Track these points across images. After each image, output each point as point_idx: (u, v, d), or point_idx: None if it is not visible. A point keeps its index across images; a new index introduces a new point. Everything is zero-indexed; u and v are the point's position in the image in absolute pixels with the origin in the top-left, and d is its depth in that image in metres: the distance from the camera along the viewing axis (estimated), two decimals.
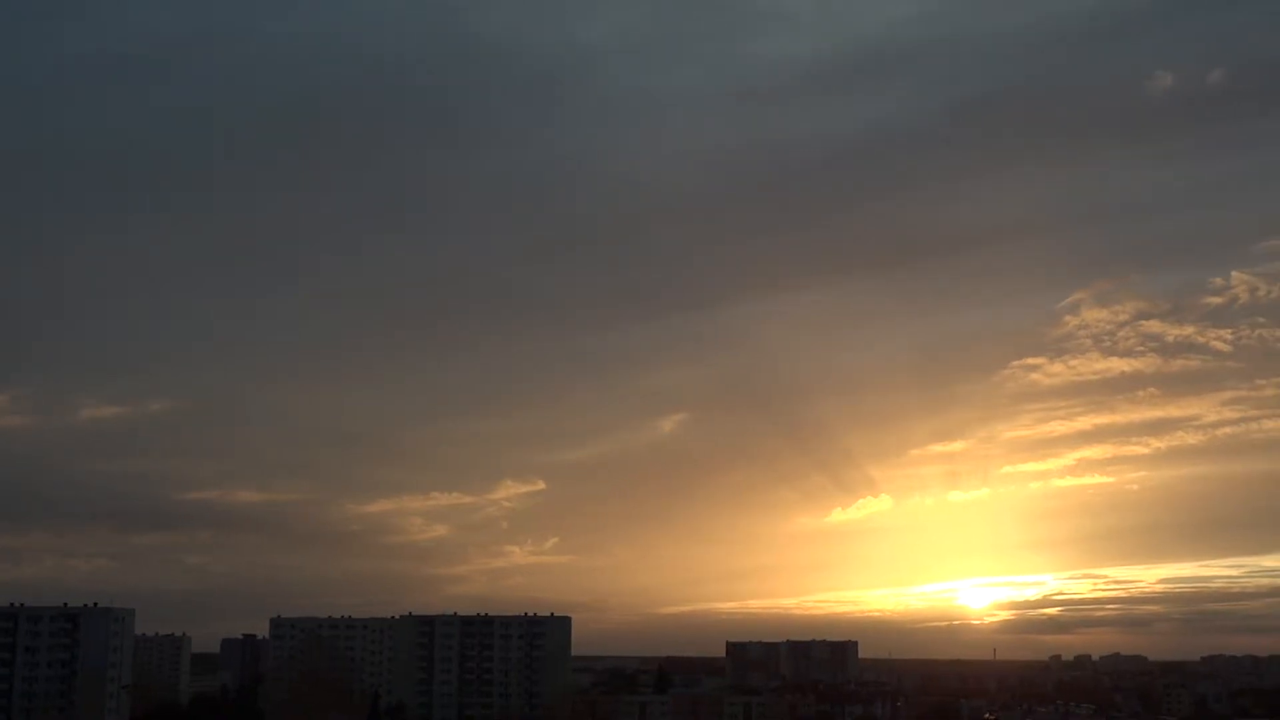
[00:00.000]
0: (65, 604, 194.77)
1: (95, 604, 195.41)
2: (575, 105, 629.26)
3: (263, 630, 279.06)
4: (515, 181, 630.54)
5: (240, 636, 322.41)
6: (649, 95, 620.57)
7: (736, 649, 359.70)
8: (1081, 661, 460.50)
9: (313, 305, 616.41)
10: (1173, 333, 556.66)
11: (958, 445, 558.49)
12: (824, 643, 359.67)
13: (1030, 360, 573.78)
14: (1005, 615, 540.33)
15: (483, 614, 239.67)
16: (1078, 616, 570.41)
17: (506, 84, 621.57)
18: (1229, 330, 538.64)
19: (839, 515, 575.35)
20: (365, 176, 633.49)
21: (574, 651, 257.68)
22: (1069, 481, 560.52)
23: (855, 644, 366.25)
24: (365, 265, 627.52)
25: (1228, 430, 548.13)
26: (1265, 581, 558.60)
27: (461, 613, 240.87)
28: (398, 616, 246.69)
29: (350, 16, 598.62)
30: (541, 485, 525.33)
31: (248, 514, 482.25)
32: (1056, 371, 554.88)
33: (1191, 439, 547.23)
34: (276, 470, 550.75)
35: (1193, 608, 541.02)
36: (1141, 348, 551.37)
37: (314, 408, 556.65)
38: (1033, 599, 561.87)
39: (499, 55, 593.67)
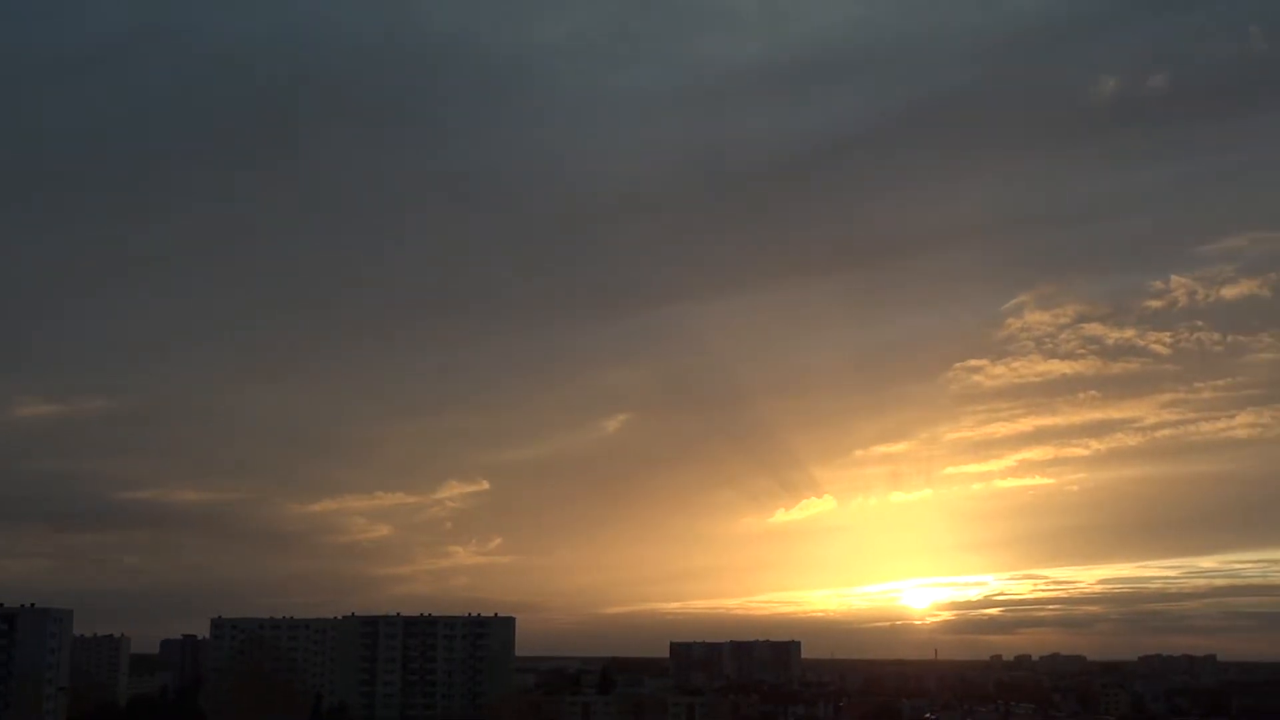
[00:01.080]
0: (1, 605, 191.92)
1: (32, 605, 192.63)
2: (526, 104, 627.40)
3: (203, 631, 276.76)
4: (464, 181, 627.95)
5: (180, 637, 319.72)
6: (600, 95, 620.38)
7: (680, 649, 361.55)
8: (1022, 661, 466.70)
9: (256, 304, 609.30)
10: (1113, 335, 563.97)
11: (901, 446, 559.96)
12: (767, 643, 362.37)
13: (973, 362, 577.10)
14: (947, 615, 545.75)
15: (426, 614, 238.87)
16: (1018, 617, 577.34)
17: (457, 82, 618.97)
18: (1168, 333, 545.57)
19: (783, 516, 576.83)
20: (312, 174, 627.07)
21: (518, 652, 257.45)
22: (1010, 483, 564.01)
23: (798, 644, 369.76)
24: (311, 264, 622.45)
25: (1166, 432, 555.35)
26: (1202, 582, 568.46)
27: (405, 613, 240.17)
28: (340, 617, 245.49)
29: (301, 13, 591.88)
30: (486, 485, 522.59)
31: (188, 513, 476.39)
32: (999, 373, 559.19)
33: (1131, 441, 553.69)
34: (217, 469, 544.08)
35: (1131, 608, 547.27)
36: (1082, 350, 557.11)
37: (256, 406, 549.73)
38: (974, 599, 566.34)
39: (451, 54, 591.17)
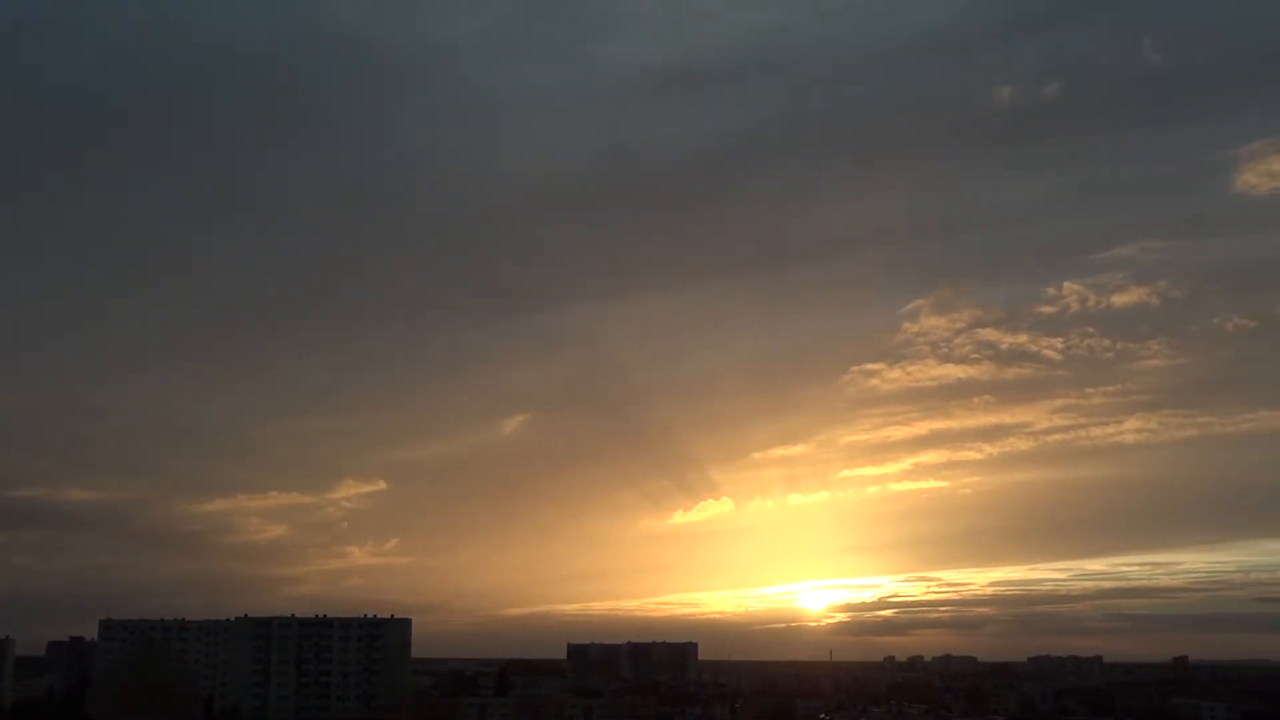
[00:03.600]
0: None
1: None
2: (427, 103, 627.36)
3: (91, 633, 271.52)
4: (363, 179, 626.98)
5: (68, 639, 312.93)
6: (502, 95, 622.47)
7: (578, 651, 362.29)
8: (914, 662, 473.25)
9: (149, 302, 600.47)
10: (1007, 341, 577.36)
11: (798, 449, 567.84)
12: (665, 644, 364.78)
13: (870, 366, 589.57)
14: (842, 617, 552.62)
15: (321, 616, 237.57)
16: (912, 618, 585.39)
17: (357, 80, 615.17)
18: (1060, 339, 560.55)
19: (681, 517, 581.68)
20: (209, 172, 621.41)
21: (414, 654, 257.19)
22: (905, 486, 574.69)
23: (695, 646, 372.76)
24: (206, 262, 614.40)
25: (1057, 437, 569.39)
26: (1090, 584, 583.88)
27: (299, 614, 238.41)
28: (233, 619, 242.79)
29: (195, 7, 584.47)
30: (383, 485, 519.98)
31: (77, 513, 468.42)
32: (895, 377, 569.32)
33: (1023, 445, 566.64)
34: (108, 468, 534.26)
35: (1021, 610, 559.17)
36: (977, 355, 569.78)
37: (149, 405, 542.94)
38: (869, 601, 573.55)
39: (351, 51, 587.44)
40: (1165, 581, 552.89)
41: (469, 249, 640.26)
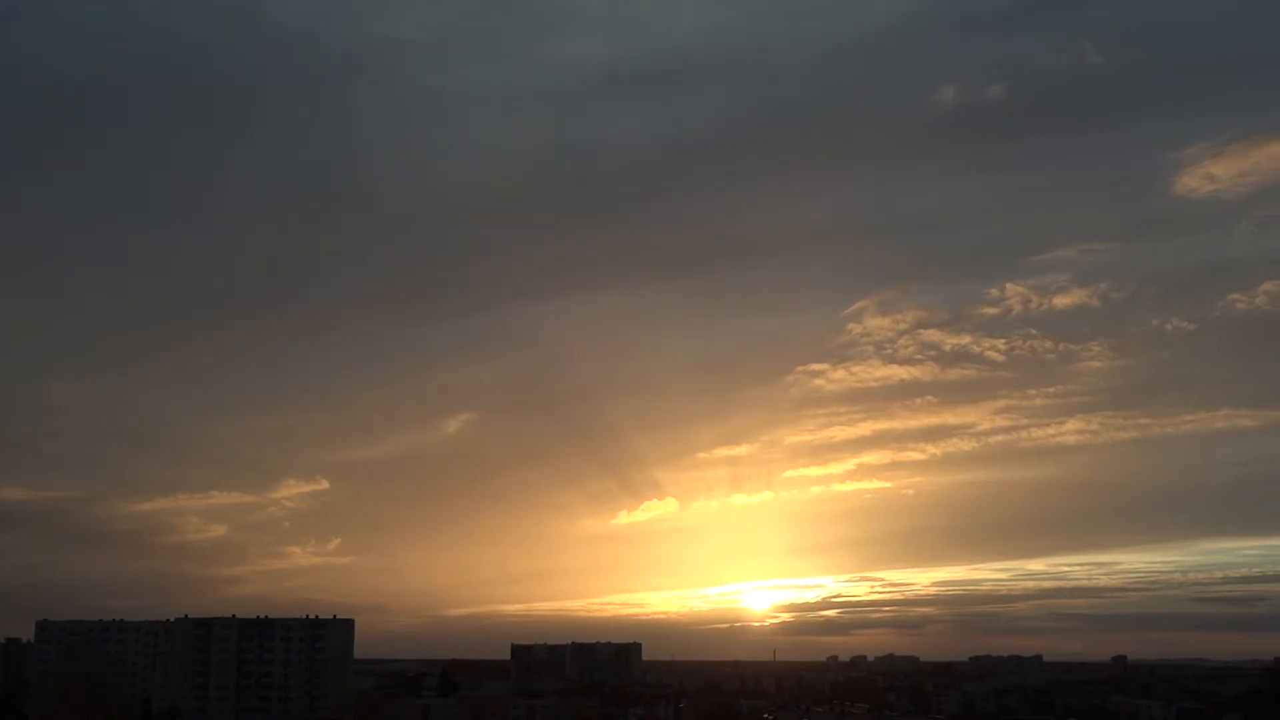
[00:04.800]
0: None
1: None
2: (373, 100, 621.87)
3: (28, 634, 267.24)
4: (307, 176, 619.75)
5: (3, 641, 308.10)
6: (448, 92, 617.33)
7: (522, 651, 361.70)
8: (857, 662, 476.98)
9: (85, 299, 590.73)
10: (950, 342, 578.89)
11: (742, 449, 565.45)
12: (609, 645, 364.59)
13: (814, 366, 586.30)
14: (786, 617, 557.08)
15: (262, 616, 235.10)
16: (855, 618, 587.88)
17: (303, 76, 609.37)
18: (1003, 340, 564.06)
19: (625, 518, 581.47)
20: (150, 168, 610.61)
21: (357, 654, 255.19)
22: (849, 486, 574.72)
23: (639, 646, 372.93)
24: (142, 259, 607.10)
25: (999, 438, 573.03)
26: (1030, 585, 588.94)
27: (240, 615, 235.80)
28: (172, 619, 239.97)
29: (138, 1, 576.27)
30: (325, 485, 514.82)
31: (12, 512, 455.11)
32: (839, 378, 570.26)
33: (965, 446, 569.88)
34: (44, 467, 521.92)
35: (963, 609, 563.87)
36: (920, 356, 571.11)
37: (85, 402, 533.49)
38: (812, 601, 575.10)
39: (296, 46, 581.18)
40: (1104, 581, 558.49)
41: (413, 248, 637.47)
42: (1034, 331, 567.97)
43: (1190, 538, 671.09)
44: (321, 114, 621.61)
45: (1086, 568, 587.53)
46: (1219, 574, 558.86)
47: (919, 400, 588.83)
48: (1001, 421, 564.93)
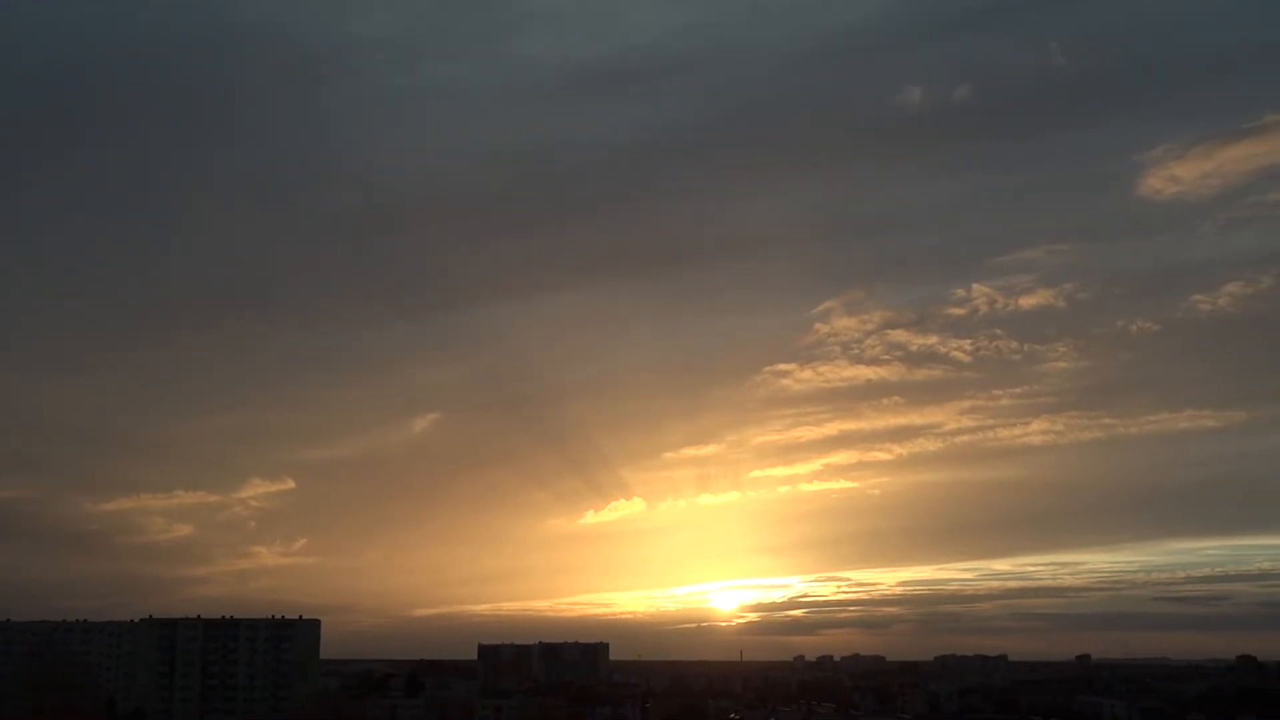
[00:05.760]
0: None
1: None
2: (337, 98, 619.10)
3: None
4: (272, 174, 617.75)
5: None
6: (414, 91, 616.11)
7: (489, 651, 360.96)
8: (824, 662, 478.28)
9: (47, 297, 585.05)
10: (916, 342, 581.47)
11: (710, 449, 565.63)
12: (576, 645, 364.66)
13: (781, 366, 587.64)
14: (752, 617, 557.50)
15: (228, 616, 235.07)
16: (821, 618, 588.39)
17: (265, 73, 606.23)
18: (969, 341, 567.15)
19: (592, 517, 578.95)
20: (108, 166, 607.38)
21: (323, 655, 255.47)
22: (816, 486, 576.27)
23: (606, 646, 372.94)
24: (106, 257, 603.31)
25: (965, 438, 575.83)
26: (995, 584, 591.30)
27: (205, 615, 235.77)
28: (137, 620, 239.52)
29: None
30: (291, 484, 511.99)
31: None
32: (806, 378, 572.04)
33: (932, 446, 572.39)
34: (6, 466, 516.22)
35: (928, 609, 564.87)
36: (887, 356, 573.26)
37: (47, 400, 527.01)
38: (779, 601, 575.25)
39: (258, 43, 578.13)
40: (1069, 581, 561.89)
41: (380, 246, 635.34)
42: (1000, 332, 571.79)
43: (1153, 538, 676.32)
44: (288, 112, 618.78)
45: (1051, 568, 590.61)
46: (1182, 574, 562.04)
47: (885, 400, 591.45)
48: (967, 422, 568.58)
